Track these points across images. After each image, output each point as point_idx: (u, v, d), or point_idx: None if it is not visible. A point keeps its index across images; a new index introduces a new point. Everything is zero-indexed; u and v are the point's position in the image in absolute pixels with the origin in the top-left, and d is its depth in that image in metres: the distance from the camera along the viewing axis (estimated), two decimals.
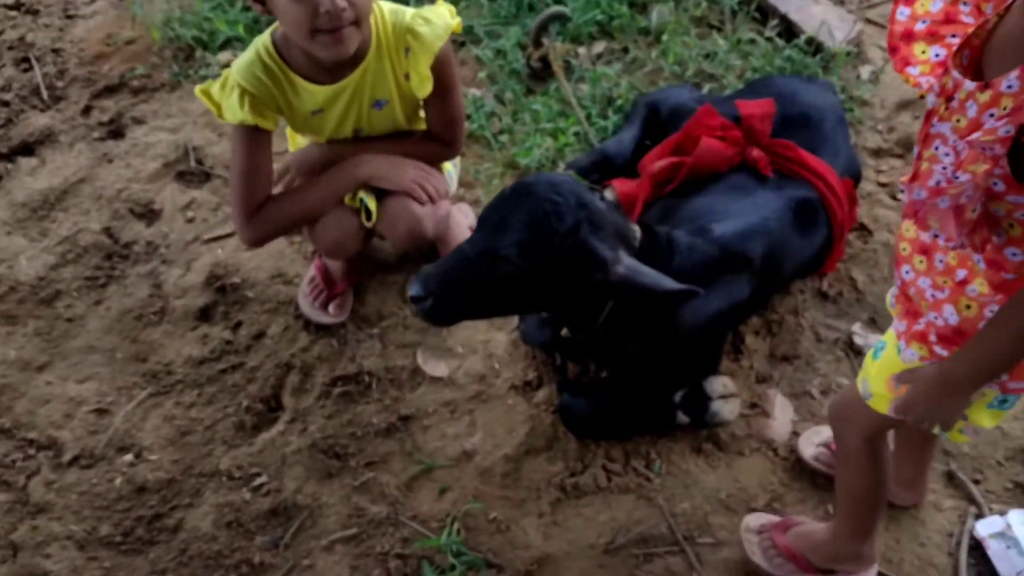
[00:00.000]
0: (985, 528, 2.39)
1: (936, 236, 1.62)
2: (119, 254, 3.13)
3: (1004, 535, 2.36)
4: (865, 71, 3.52)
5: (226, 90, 2.34)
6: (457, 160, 2.88)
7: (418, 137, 2.66)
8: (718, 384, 2.64)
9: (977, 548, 2.40)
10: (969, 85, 1.39)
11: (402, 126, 2.61)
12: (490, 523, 2.51)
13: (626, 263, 2.06)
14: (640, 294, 2.06)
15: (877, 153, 3.27)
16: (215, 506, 2.56)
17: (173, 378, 2.83)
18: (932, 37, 1.60)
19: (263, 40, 2.36)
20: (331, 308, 2.89)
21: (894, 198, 3.12)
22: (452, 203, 3.00)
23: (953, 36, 1.57)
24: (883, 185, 3.17)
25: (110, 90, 3.65)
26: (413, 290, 2.15)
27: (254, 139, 2.40)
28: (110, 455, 2.68)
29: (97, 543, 2.52)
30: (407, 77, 2.45)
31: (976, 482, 2.51)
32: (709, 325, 2.43)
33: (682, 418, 2.60)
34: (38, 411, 2.77)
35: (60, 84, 3.67)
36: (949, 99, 1.45)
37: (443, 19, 2.38)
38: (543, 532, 2.49)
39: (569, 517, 2.51)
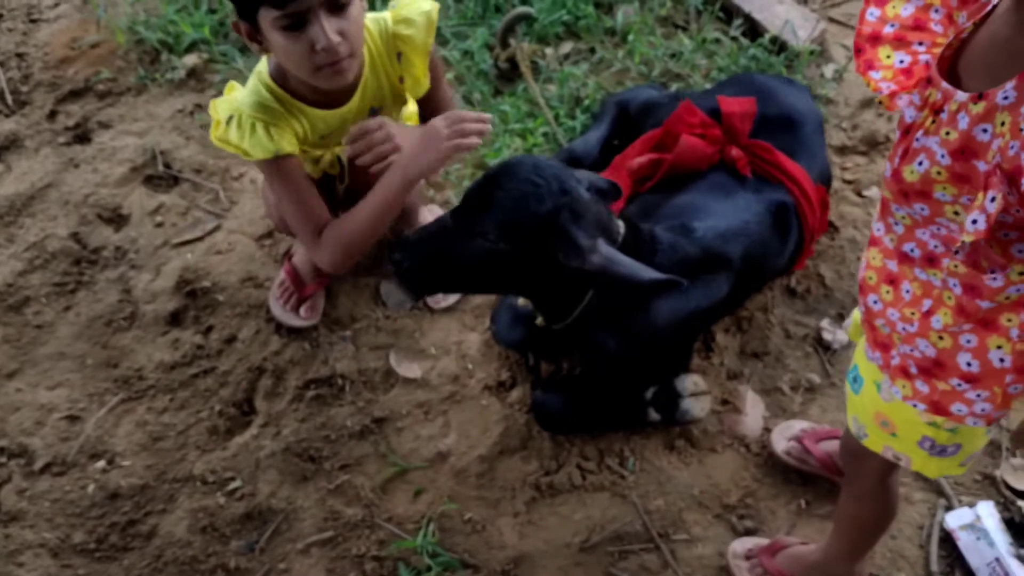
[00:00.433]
0: (955, 520, 2.42)
1: (905, 260, 1.61)
2: (88, 259, 3.11)
3: (974, 527, 2.39)
4: (829, 70, 3.55)
5: (244, 129, 2.29)
6: None
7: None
8: (688, 382, 2.65)
9: (948, 540, 2.43)
10: (961, 96, 1.36)
11: None
12: (466, 523, 2.52)
13: (603, 252, 2.05)
14: (618, 283, 2.07)
15: (842, 151, 3.31)
16: (189, 511, 2.56)
17: (145, 383, 2.82)
18: (899, 42, 1.59)
19: (261, 76, 2.33)
20: (302, 311, 2.88)
21: (860, 195, 3.16)
22: (422, 204, 3.01)
23: (920, 44, 1.56)
24: (849, 182, 3.20)
25: (75, 94, 3.62)
26: (394, 252, 2.19)
27: (289, 167, 2.36)
28: (82, 462, 2.67)
29: (71, 551, 2.50)
30: (401, 80, 2.47)
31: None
32: (686, 322, 2.45)
33: (653, 415, 2.62)
34: (8, 419, 2.75)
35: (24, 89, 3.64)
36: (936, 112, 1.42)
37: (424, 14, 2.38)
38: (519, 531, 2.50)
39: (544, 516, 2.53)
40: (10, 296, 3.00)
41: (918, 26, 1.58)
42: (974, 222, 1.33)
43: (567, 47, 3.66)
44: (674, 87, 3.45)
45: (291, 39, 2.11)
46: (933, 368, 1.62)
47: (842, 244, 3.02)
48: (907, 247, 1.61)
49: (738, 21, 3.65)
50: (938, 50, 1.49)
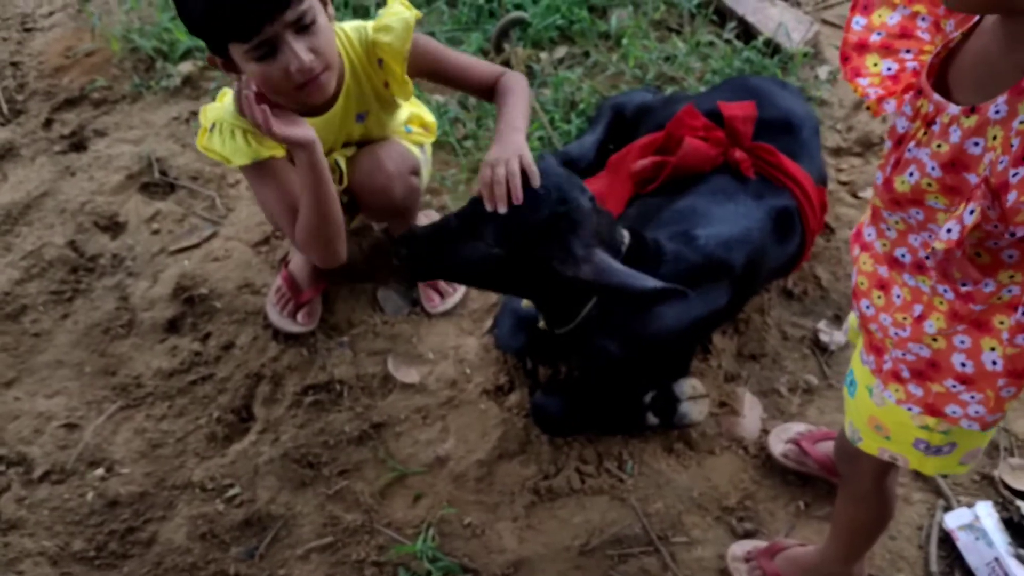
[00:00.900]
0: (954, 520, 2.42)
1: (895, 265, 1.62)
2: (85, 267, 3.11)
3: (973, 527, 2.39)
4: (823, 71, 3.57)
5: (224, 135, 2.31)
6: (428, 156, 2.89)
7: (502, 108, 2.40)
8: (687, 386, 2.65)
9: (947, 540, 2.43)
10: (954, 109, 1.35)
11: (384, 131, 2.66)
12: (465, 528, 2.52)
13: (596, 261, 2.06)
14: (614, 292, 2.08)
15: (837, 152, 3.32)
16: (188, 518, 2.56)
17: (143, 391, 2.82)
18: (886, 50, 1.58)
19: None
20: (300, 317, 2.89)
21: (855, 196, 3.16)
22: (419, 210, 3.01)
23: (907, 51, 1.56)
24: (844, 184, 3.21)
25: (71, 103, 3.62)
26: (399, 246, 2.24)
27: (272, 170, 2.38)
28: (81, 470, 2.66)
29: (70, 558, 2.50)
30: (386, 85, 2.49)
31: (944, 475, 2.55)
32: (688, 330, 2.46)
33: (652, 419, 2.62)
34: (7, 427, 2.75)
35: (20, 98, 3.65)
36: (928, 124, 1.41)
37: (402, 21, 2.38)
38: (518, 535, 2.50)
39: (543, 520, 2.53)
40: (7, 305, 3.00)
41: (904, 34, 1.58)
42: (948, 231, 1.34)
43: (561, 51, 3.67)
44: (668, 90, 3.46)
45: (265, 66, 2.15)
46: (927, 370, 1.61)
47: (838, 245, 3.03)
48: (898, 252, 1.61)
49: (731, 24, 3.66)
50: (925, 58, 1.49)
